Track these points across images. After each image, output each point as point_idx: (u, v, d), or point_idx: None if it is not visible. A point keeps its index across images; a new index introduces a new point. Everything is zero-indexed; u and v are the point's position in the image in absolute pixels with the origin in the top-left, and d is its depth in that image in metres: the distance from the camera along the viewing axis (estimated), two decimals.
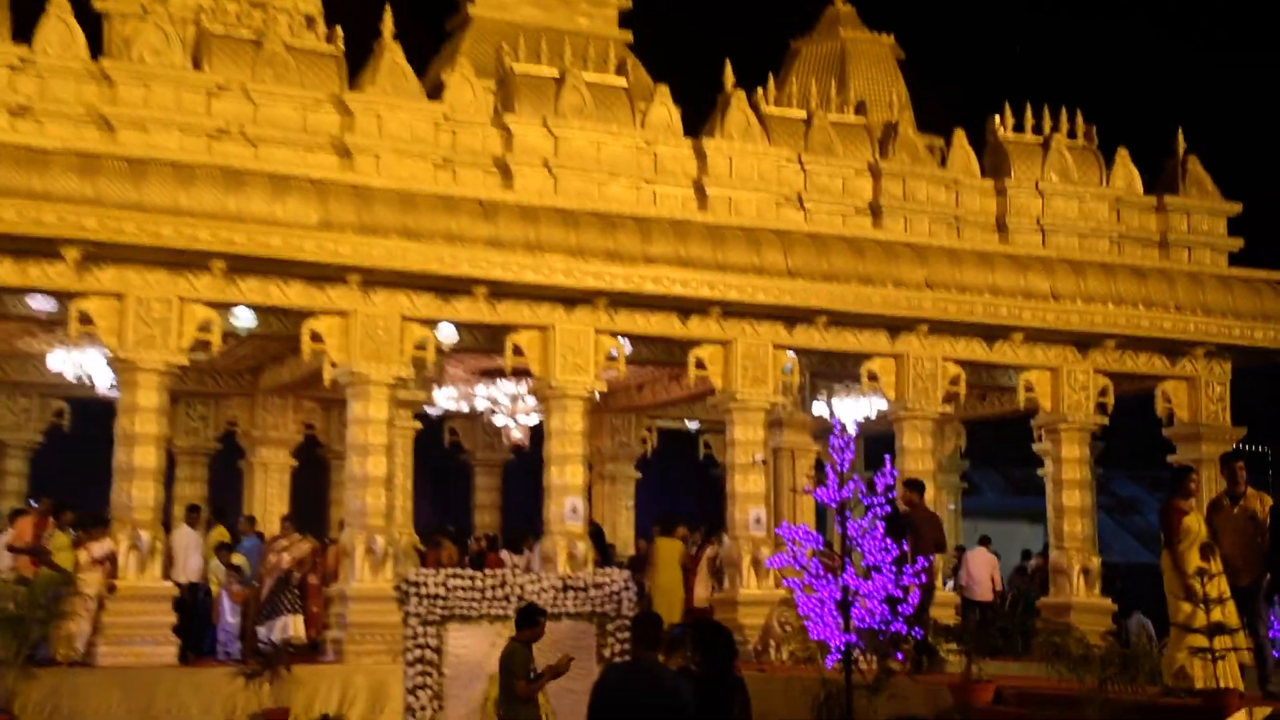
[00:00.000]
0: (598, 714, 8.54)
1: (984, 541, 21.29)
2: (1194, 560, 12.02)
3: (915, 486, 16.21)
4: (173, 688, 14.50)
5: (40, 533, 16.16)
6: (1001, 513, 33.22)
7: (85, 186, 14.72)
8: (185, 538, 17.63)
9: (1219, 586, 11.85)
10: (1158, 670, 12.28)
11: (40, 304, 16.10)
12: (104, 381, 17.26)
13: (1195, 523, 12.22)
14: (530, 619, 11.26)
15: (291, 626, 16.53)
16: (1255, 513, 12.45)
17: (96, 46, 16.22)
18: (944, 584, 19.10)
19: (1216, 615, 11.60)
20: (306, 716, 14.27)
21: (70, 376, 18.30)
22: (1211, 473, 19.16)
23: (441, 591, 12.86)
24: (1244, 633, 11.95)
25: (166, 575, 15.87)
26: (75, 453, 20.95)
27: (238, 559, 17.42)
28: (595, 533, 18.84)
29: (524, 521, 20.04)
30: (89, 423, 20.49)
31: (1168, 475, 19.97)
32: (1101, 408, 19.65)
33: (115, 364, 15.71)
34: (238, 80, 16.18)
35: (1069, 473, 19.48)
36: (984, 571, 20.44)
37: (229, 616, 16.83)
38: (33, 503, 18.24)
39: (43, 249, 14.84)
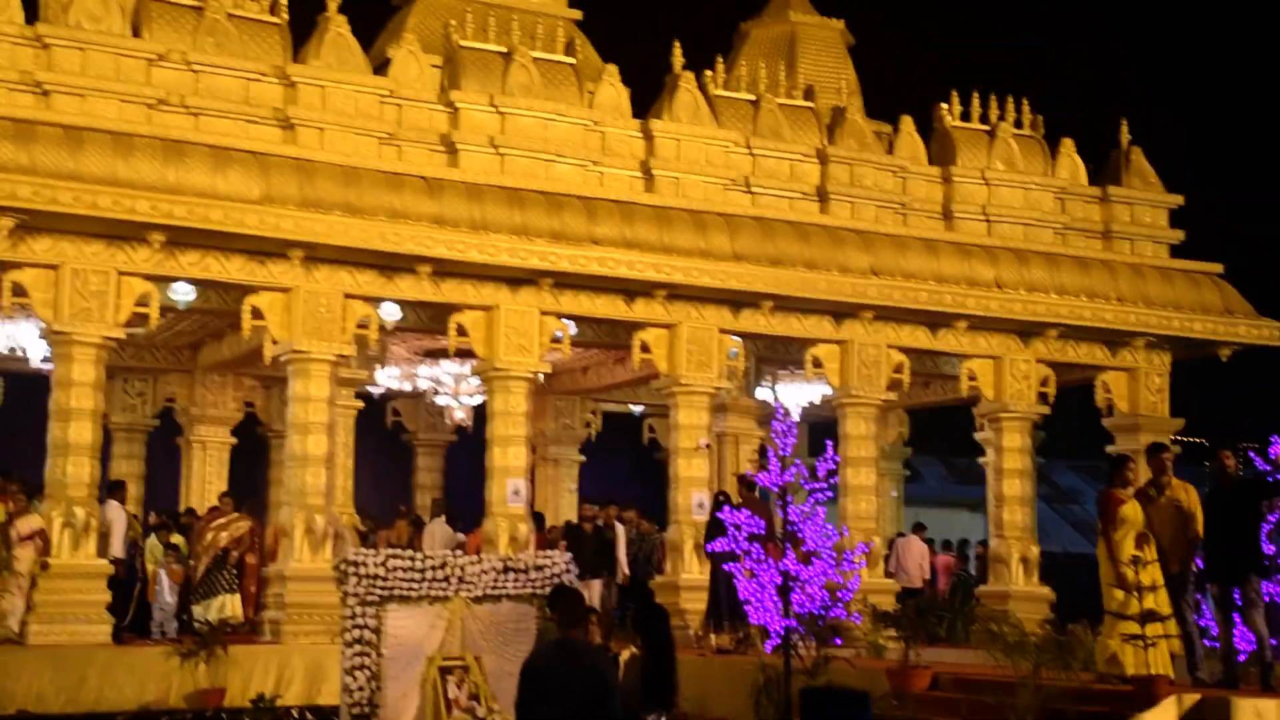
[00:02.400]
0: (525, 693, 8.62)
1: (917, 529, 21.43)
2: (1129, 549, 12.14)
3: (746, 483, 16.66)
4: (106, 667, 14.46)
5: None
6: (943, 500, 33.56)
7: (20, 154, 14.60)
8: (116, 513, 17.50)
9: (1152, 574, 12.01)
10: (1092, 658, 12.46)
11: None
12: (38, 355, 17.11)
13: (1132, 511, 12.34)
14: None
15: (229, 606, 16.51)
16: (1180, 502, 12.63)
17: (32, 11, 15.95)
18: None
19: (1149, 602, 11.76)
20: (243, 697, 14.33)
21: (3, 349, 18.13)
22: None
23: (381, 572, 12.82)
24: (1174, 620, 12.14)
25: (100, 553, 15.71)
26: (8, 427, 20.71)
27: (176, 538, 17.36)
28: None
29: (467, 502, 20.02)
30: (22, 397, 20.25)
31: (1106, 466, 20.27)
32: (1043, 397, 19.83)
33: (50, 337, 15.63)
34: (178, 49, 16.09)
35: (1010, 462, 19.64)
36: (915, 560, 20.58)
37: (167, 596, 16.79)
38: None
39: None
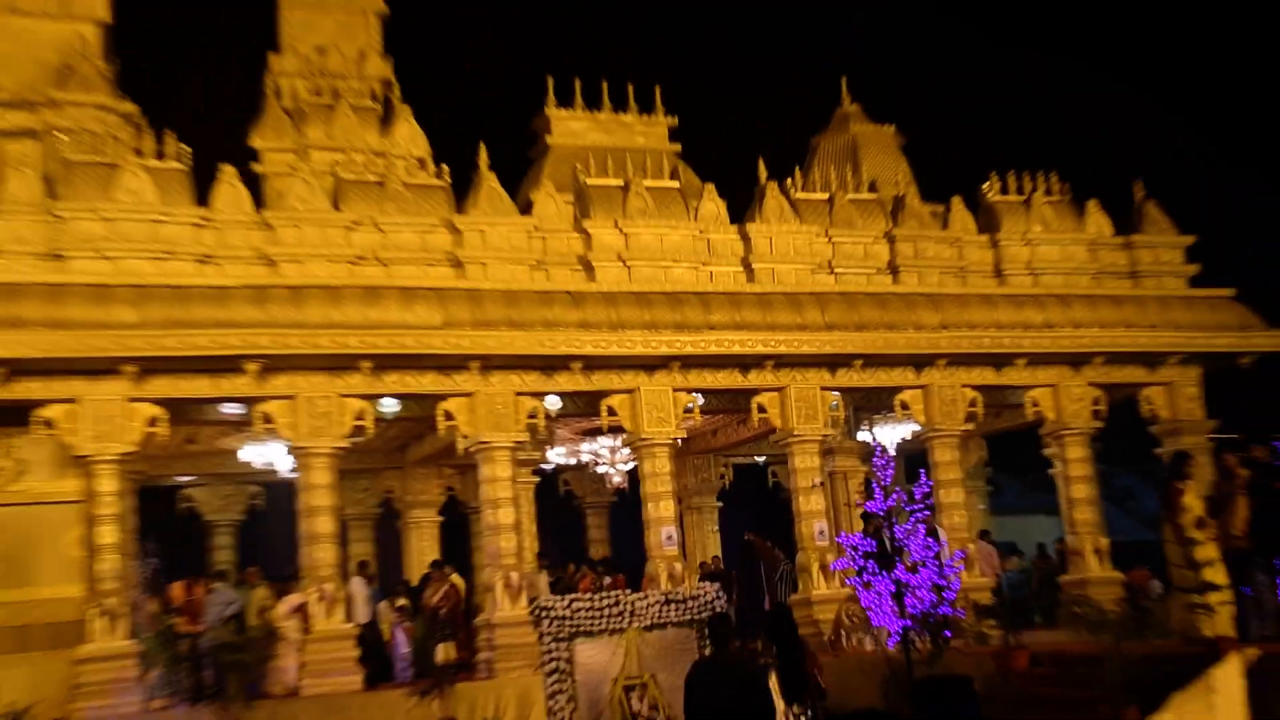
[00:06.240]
0: (689, 700, 8.75)
1: (983, 535, 20.88)
2: (1190, 531, 11.98)
3: (758, 533, 17.19)
4: (363, 708, 14.64)
5: (191, 599, 16.34)
6: (1022, 509, 32.75)
7: (258, 313, 15.06)
8: (358, 587, 17.88)
9: (1207, 552, 11.82)
10: (1164, 627, 12.23)
11: (230, 410, 16.39)
12: (286, 467, 17.57)
13: (1191, 500, 12.17)
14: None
15: (442, 652, 16.61)
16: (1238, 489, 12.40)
17: (258, 200, 16.63)
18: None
19: (1207, 575, 11.57)
20: None
21: (259, 465, 18.65)
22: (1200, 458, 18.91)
23: (568, 613, 13.00)
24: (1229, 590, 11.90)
25: (347, 618, 16.02)
26: (270, 525, 21.02)
27: (402, 601, 17.45)
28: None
29: (632, 551, 20.07)
30: (277, 501, 20.57)
31: (1158, 466, 19.76)
32: (1096, 414, 19.36)
33: (293, 452, 15.98)
34: (369, 215, 16.40)
35: (1075, 471, 19.20)
36: (985, 560, 20.03)
37: (402, 648, 16.81)
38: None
39: (230, 366, 15.13)
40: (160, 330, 14.65)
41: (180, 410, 15.74)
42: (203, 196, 15.92)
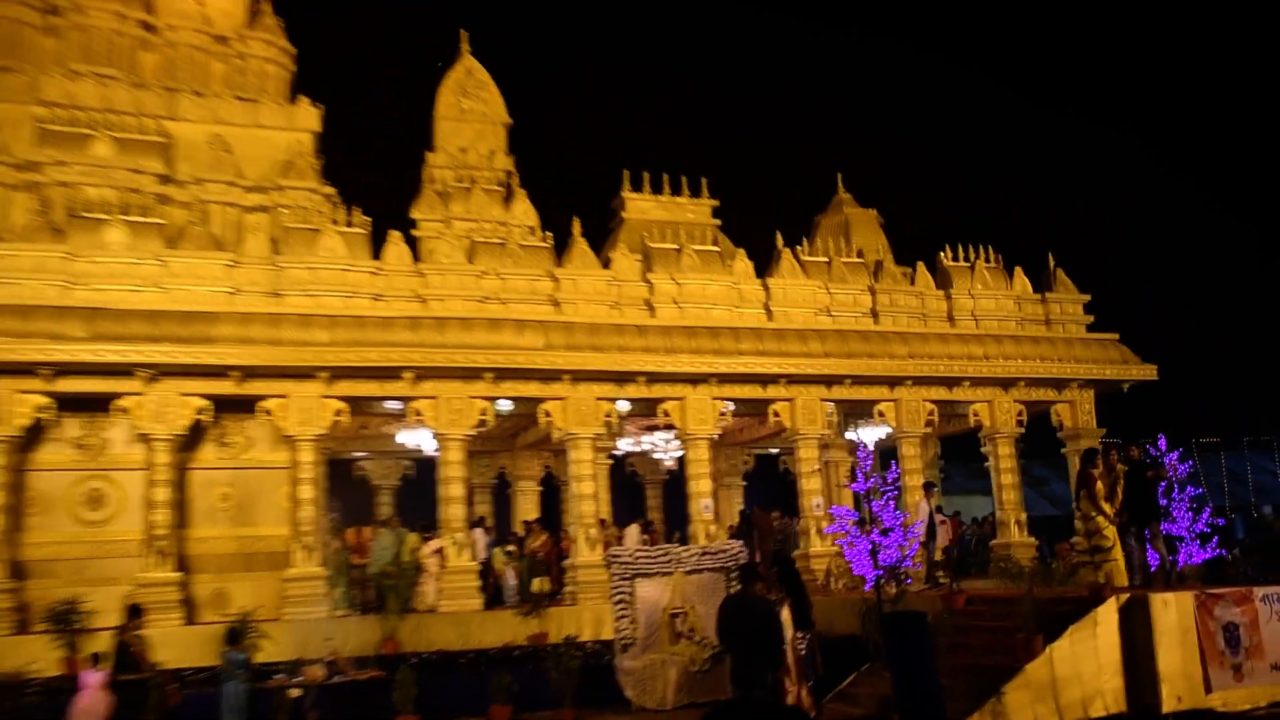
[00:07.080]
0: (722, 624, 8.97)
1: (938, 511, 20.69)
2: (1102, 504, 12.06)
3: (761, 510, 17.18)
4: (481, 622, 14.95)
5: (360, 540, 16.62)
6: (966, 490, 32.54)
7: (413, 337, 15.39)
8: (479, 536, 18.19)
9: (1099, 523, 11.91)
10: (1065, 579, 12.31)
11: (392, 405, 16.72)
12: (430, 447, 17.78)
13: (1100, 485, 12.27)
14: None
15: (538, 584, 16.61)
16: (1119, 478, 12.48)
17: (415, 256, 16.85)
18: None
19: (1096, 540, 11.66)
20: (558, 636, 14.34)
21: (411, 446, 18.70)
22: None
23: (631, 560, 13.25)
24: (1121, 550, 11.98)
25: (472, 558, 16.22)
26: (419, 490, 21.14)
27: (511, 547, 17.54)
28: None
29: (679, 517, 20.25)
30: (424, 472, 20.62)
31: (1064, 461, 19.68)
32: (1020, 422, 19.21)
33: (436, 437, 16.13)
34: (493, 268, 16.53)
35: (1004, 464, 19.06)
36: (944, 529, 19.90)
37: (511, 581, 16.89)
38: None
39: (391, 374, 15.46)
40: (345, 348, 15.12)
41: (357, 405, 16.01)
42: (377, 253, 16.23)
